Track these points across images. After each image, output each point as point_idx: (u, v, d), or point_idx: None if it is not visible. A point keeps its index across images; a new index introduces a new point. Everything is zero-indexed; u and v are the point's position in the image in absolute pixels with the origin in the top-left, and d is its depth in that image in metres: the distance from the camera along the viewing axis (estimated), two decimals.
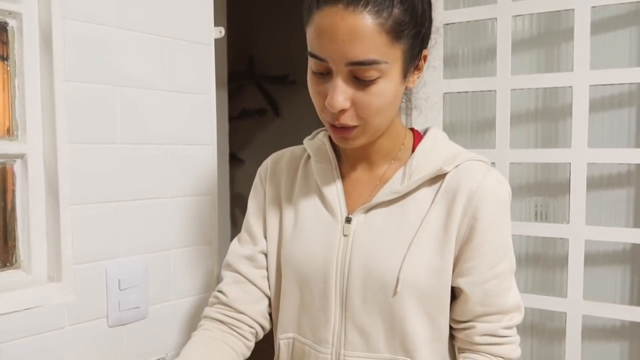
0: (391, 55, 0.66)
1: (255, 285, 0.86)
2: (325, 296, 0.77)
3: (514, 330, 0.78)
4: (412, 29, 0.67)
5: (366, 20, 0.63)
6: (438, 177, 0.76)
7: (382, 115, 0.70)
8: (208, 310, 0.88)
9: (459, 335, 0.77)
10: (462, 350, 0.78)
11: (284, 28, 3.31)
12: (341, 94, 0.66)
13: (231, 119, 2.53)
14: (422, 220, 0.74)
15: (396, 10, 0.65)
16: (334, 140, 0.75)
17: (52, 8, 0.90)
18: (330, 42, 0.65)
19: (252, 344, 0.88)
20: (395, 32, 0.65)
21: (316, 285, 0.78)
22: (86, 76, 0.96)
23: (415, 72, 0.74)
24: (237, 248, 0.89)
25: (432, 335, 0.75)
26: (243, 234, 0.90)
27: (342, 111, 0.68)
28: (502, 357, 0.76)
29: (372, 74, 0.65)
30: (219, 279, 1.21)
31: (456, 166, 0.76)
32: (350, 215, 0.78)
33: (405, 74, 0.71)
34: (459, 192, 0.73)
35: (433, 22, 0.75)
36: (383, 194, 0.77)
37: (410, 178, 0.76)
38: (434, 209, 0.74)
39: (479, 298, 0.74)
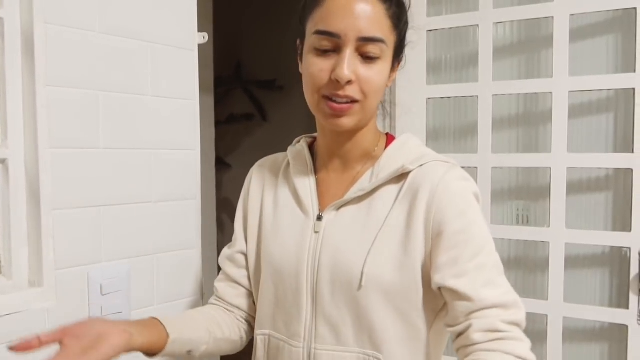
0: (390, 40, 0.76)
1: (239, 284, 0.93)
2: (297, 291, 0.80)
3: (519, 329, 0.71)
4: (404, 24, 0.78)
5: (377, 4, 0.74)
6: (403, 176, 0.79)
7: (377, 96, 0.78)
8: (210, 300, 0.97)
9: (459, 341, 0.73)
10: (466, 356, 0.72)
11: (271, 33, 3.32)
12: (350, 65, 0.73)
13: (218, 123, 2.53)
14: (386, 217, 0.77)
15: (395, 5, 0.76)
16: (326, 121, 0.78)
17: (34, 13, 0.90)
18: (347, 17, 0.73)
19: (246, 328, 0.94)
20: (395, 20, 0.76)
21: (289, 281, 0.81)
22: (68, 81, 0.96)
23: (393, 72, 0.81)
24: (225, 249, 0.96)
25: (406, 334, 0.76)
26: (234, 237, 0.96)
27: (349, 83, 0.74)
28: (510, 354, 0.68)
29: (376, 51, 0.74)
30: (203, 284, 1.22)
31: (420, 165, 0.78)
32: (321, 213, 0.81)
33: (391, 66, 0.79)
34: (421, 189, 0.76)
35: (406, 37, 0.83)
36: (352, 192, 0.80)
37: (377, 177, 0.79)
38: (397, 207, 0.77)
39: (467, 290, 0.71)
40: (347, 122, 0.76)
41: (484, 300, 0.71)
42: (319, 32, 0.74)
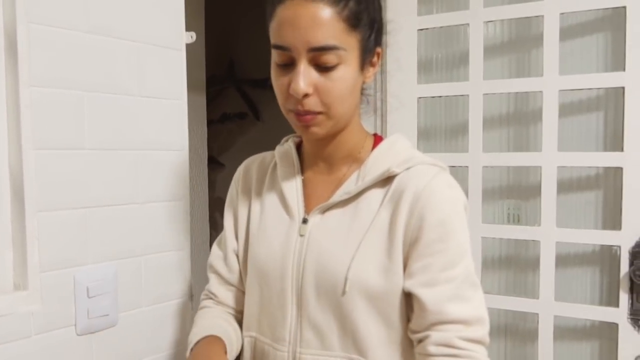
0: (348, 43, 0.72)
1: (237, 287, 0.92)
2: (282, 295, 0.80)
3: (478, 347, 0.72)
4: (366, 21, 0.73)
5: (325, 9, 0.69)
6: (389, 179, 0.77)
7: (344, 103, 0.74)
8: (207, 302, 0.94)
9: (417, 349, 0.75)
10: None
11: (264, 31, 3.30)
12: (304, 79, 0.71)
13: (211, 122, 2.52)
14: (371, 221, 0.76)
15: (351, 3, 0.71)
16: (298, 131, 0.78)
17: (16, 12, 0.89)
18: (293, 30, 0.70)
19: None
20: (351, 21, 0.71)
21: (274, 284, 0.81)
22: (53, 81, 0.94)
23: (371, 68, 0.79)
24: (216, 250, 0.94)
25: (390, 338, 0.76)
26: (221, 236, 0.95)
27: (306, 96, 0.72)
28: None
29: (332, 59, 0.71)
30: (192, 285, 1.21)
31: (407, 169, 0.77)
32: (306, 216, 0.80)
33: (362, 66, 0.75)
34: (405, 192, 0.74)
35: (383, 23, 0.80)
36: (337, 195, 0.79)
37: (363, 179, 0.78)
38: (382, 211, 0.76)
39: (432, 303, 0.71)
40: (316, 131, 0.75)
41: (446, 314, 0.71)
42: (273, 46, 0.73)
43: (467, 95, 1.45)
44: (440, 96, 1.52)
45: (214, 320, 0.89)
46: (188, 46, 1.16)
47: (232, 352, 0.85)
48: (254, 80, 3.52)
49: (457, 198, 0.76)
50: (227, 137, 3.80)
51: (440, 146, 1.59)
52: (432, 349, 0.71)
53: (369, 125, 0.99)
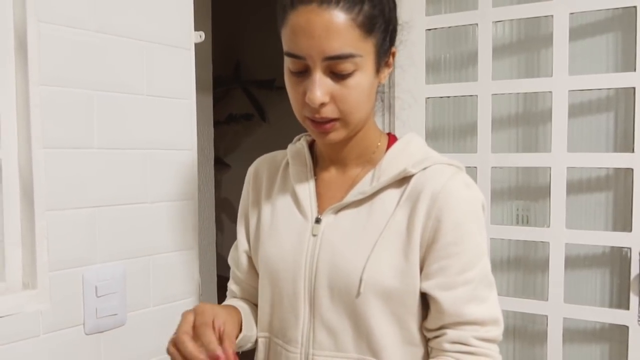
0: (364, 49, 0.70)
1: (248, 284, 0.92)
2: (294, 296, 0.79)
3: (492, 345, 0.74)
4: (381, 24, 0.72)
5: (339, 16, 0.67)
6: (405, 179, 0.77)
7: (361, 109, 0.74)
8: (228, 297, 0.97)
9: (431, 344, 0.76)
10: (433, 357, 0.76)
11: (271, 33, 3.30)
12: (320, 88, 0.69)
13: (217, 123, 2.52)
14: (387, 222, 0.75)
15: (366, 7, 0.69)
16: (314, 137, 0.77)
17: (27, 11, 0.89)
18: (307, 39, 0.68)
19: None
20: (366, 27, 0.69)
21: (285, 285, 0.80)
22: (62, 80, 0.95)
23: (385, 69, 0.77)
24: (232, 250, 0.94)
25: (403, 339, 0.75)
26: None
27: (322, 105, 0.71)
28: None
29: (348, 67, 0.69)
30: (200, 285, 1.21)
31: (424, 169, 0.76)
32: (319, 216, 0.79)
33: (377, 69, 0.74)
34: (423, 193, 0.74)
35: (398, 21, 0.78)
36: (352, 195, 0.78)
37: (378, 179, 0.77)
38: (398, 211, 0.75)
39: (449, 305, 0.72)
40: (334, 136, 0.74)
41: (464, 316, 0.72)
42: (286, 54, 0.71)
43: (476, 96, 1.44)
44: (448, 96, 1.51)
45: (231, 301, 0.92)
46: (195, 46, 1.16)
47: (249, 326, 0.86)
48: (260, 82, 3.52)
49: (475, 198, 0.76)
50: (233, 138, 3.80)
51: (449, 147, 1.59)
52: (448, 345, 0.73)
53: (378, 123, 0.98)
